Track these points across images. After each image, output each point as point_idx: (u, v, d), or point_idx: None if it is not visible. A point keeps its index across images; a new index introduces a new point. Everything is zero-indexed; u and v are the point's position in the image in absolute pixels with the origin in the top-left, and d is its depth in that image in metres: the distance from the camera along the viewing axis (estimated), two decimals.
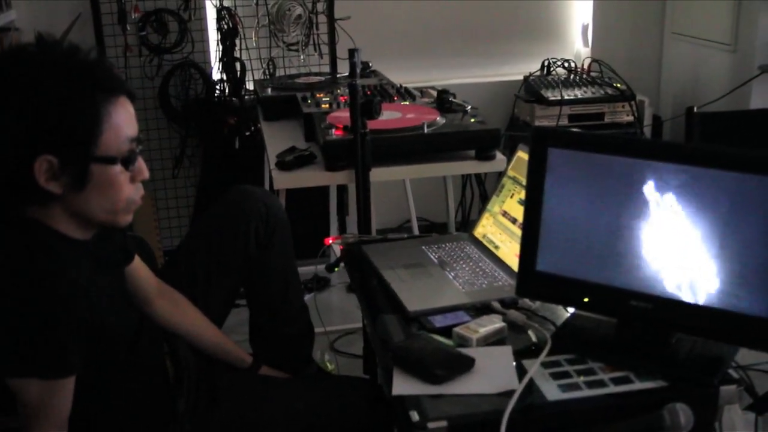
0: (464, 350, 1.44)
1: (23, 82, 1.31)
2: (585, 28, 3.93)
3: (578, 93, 3.45)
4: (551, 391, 1.33)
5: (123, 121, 1.37)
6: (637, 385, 1.34)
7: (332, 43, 3.55)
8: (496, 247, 1.87)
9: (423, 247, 1.93)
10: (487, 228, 1.93)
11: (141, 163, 1.43)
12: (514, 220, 1.84)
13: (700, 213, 1.32)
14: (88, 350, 1.38)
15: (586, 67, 3.67)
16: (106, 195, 1.38)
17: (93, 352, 1.40)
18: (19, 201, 1.38)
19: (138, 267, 1.77)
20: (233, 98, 3.49)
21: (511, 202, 1.88)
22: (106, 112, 1.34)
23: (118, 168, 1.38)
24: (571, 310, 1.59)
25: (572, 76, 3.59)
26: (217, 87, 3.49)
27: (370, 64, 3.34)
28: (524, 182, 1.53)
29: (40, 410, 1.36)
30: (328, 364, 2.58)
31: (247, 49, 3.50)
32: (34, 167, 1.31)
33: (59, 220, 1.40)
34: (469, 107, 2.58)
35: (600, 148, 1.41)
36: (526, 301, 1.62)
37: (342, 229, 3.68)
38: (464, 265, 1.81)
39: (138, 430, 1.58)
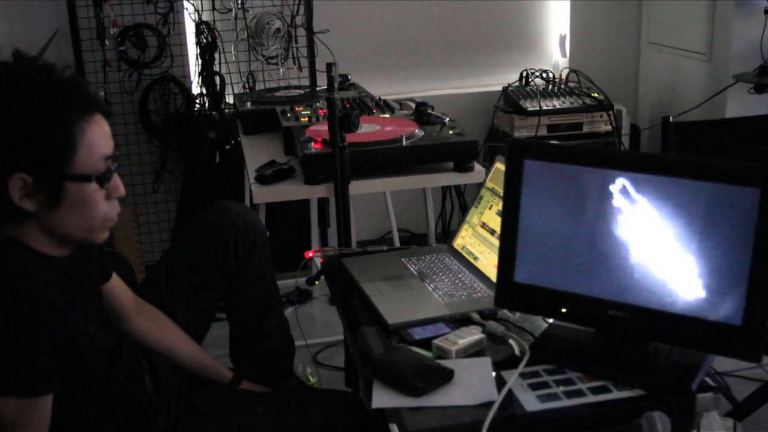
0: (443, 362, 1.45)
1: None
2: (562, 39, 3.97)
3: (556, 103, 3.47)
4: (530, 401, 1.34)
5: (98, 139, 1.38)
6: (615, 395, 1.35)
7: (311, 57, 3.56)
8: (475, 259, 1.87)
9: (402, 260, 1.93)
10: (466, 239, 1.94)
11: (117, 181, 1.43)
12: (492, 232, 1.85)
13: (674, 223, 1.33)
14: (65, 368, 1.38)
15: (564, 77, 3.70)
16: (81, 213, 1.38)
17: (71, 370, 1.40)
18: None
19: (115, 284, 1.76)
20: (213, 112, 3.49)
21: (489, 214, 1.89)
22: (80, 130, 1.35)
23: (93, 186, 1.38)
24: (549, 320, 1.60)
25: (550, 87, 3.62)
26: (197, 101, 3.49)
27: (349, 77, 3.35)
28: (502, 194, 1.54)
29: (17, 428, 1.35)
30: (310, 377, 2.58)
31: (226, 63, 3.51)
32: (8, 185, 1.31)
33: (35, 238, 1.39)
34: (447, 119, 2.60)
35: (575, 160, 1.42)
36: (505, 312, 1.62)
37: (324, 241, 3.68)
38: (443, 277, 1.82)
39: None
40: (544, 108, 3.43)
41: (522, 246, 1.49)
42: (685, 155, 2.51)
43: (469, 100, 3.83)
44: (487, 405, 1.31)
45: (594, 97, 3.50)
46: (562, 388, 1.37)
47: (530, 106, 3.43)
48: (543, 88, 3.59)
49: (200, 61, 3.45)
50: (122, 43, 3.41)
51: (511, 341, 1.53)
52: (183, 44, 3.52)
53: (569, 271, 1.44)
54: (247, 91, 3.51)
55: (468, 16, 3.87)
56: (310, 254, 2.16)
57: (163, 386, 1.76)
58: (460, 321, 1.62)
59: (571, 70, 3.69)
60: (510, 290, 1.51)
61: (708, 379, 1.38)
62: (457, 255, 1.94)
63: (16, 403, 1.33)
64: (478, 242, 1.89)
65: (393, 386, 1.38)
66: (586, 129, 3.49)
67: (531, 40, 4.01)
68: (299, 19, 3.50)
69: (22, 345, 1.31)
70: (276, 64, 3.52)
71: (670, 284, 1.35)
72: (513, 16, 3.94)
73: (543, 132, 3.44)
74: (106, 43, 3.39)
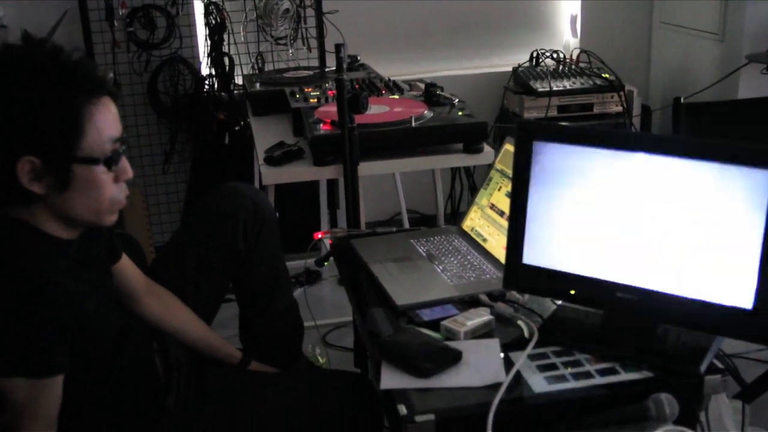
0: (452, 343, 1.45)
1: (5, 83, 1.32)
2: (573, 19, 3.93)
3: (567, 84, 3.45)
4: (538, 383, 1.34)
5: (105, 121, 1.38)
6: (623, 376, 1.35)
7: (320, 37, 3.54)
8: (484, 240, 1.87)
9: (411, 241, 1.93)
10: (475, 221, 1.94)
11: (125, 163, 1.43)
12: (501, 213, 1.84)
13: (684, 204, 1.32)
14: (74, 349, 1.39)
15: (574, 57, 3.67)
16: (89, 195, 1.39)
17: (80, 351, 1.41)
18: (2, 201, 1.38)
19: (125, 265, 1.76)
20: (222, 93, 3.48)
21: (498, 195, 1.88)
22: (88, 113, 1.35)
23: (101, 168, 1.38)
24: (558, 302, 1.60)
25: (561, 67, 3.60)
26: (206, 82, 3.49)
27: (359, 58, 3.34)
28: (511, 175, 1.54)
29: (28, 409, 1.36)
30: (319, 358, 2.59)
31: (235, 43, 3.50)
32: (17, 168, 1.32)
33: (44, 220, 1.40)
34: (457, 100, 2.58)
35: (585, 141, 1.42)
36: (514, 294, 1.62)
37: (333, 222, 3.68)
38: (452, 259, 1.82)
39: (128, 427, 1.59)
40: (555, 89, 3.41)
41: (531, 228, 1.48)
42: (697, 136, 2.49)
43: (479, 81, 3.81)
44: (495, 386, 1.31)
45: (605, 78, 3.48)
46: (570, 370, 1.37)
47: (540, 86, 3.41)
48: (553, 69, 3.57)
49: (209, 42, 3.44)
50: (131, 24, 3.40)
51: (519, 323, 1.53)
52: (192, 25, 3.51)
53: (578, 253, 1.44)
54: (256, 72, 3.50)
55: None
56: (319, 235, 2.17)
57: (173, 367, 1.77)
58: (468, 302, 1.62)
59: (582, 51, 3.66)
60: (519, 272, 1.51)
61: (716, 361, 1.38)
62: (466, 236, 1.93)
63: (25, 383, 1.34)
64: (487, 224, 1.89)
65: (401, 367, 1.39)
66: (596, 110, 3.47)
67: (542, 20, 3.98)
68: (308, 0, 3.48)
69: (32, 326, 1.32)
70: (285, 44, 3.51)
71: (679, 267, 1.34)
72: None
73: (553, 113, 3.42)
74: (115, 24, 3.38)
